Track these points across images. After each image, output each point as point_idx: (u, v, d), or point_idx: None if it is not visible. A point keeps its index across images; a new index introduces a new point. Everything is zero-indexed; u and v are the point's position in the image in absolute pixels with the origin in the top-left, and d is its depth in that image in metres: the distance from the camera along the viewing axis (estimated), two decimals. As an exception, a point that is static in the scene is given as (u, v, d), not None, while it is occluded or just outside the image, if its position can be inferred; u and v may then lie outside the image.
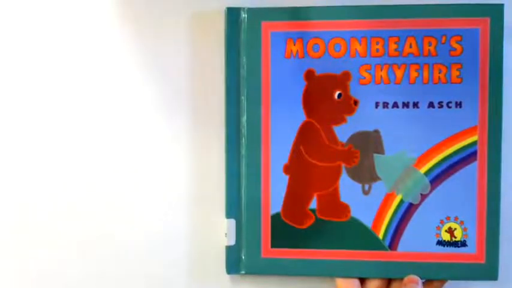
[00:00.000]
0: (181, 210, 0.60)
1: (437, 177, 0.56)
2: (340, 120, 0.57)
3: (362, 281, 0.57)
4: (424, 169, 0.56)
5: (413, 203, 0.57)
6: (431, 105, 0.56)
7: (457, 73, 0.56)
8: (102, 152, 0.60)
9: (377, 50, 0.56)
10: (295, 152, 0.57)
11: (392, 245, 0.57)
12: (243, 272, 0.58)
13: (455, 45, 0.56)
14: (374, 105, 0.57)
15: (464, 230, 0.56)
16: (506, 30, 0.55)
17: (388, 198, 0.57)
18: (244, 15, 0.57)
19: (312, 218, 0.57)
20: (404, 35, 0.56)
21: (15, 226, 0.60)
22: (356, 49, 0.56)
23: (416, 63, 0.56)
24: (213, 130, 0.59)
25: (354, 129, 0.57)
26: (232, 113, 0.58)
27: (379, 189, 0.57)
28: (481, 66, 0.56)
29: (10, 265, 0.61)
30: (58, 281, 0.60)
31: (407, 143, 0.56)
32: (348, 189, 0.57)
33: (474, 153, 0.56)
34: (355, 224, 0.57)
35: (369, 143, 0.57)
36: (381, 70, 0.56)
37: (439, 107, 0.56)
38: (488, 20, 0.55)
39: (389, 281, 0.57)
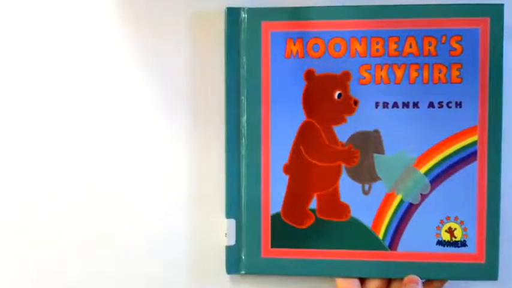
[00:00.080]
0: (181, 210, 0.60)
1: (437, 177, 0.56)
2: (340, 120, 0.57)
3: (362, 281, 0.57)
4: (424, 169, 0.56)
5: (413, 203, 0.57)
6: (431, 105, 0.56)
7: (457, 73, 0.56)
8: (102, 152, 0.60)
9: (377, 50, 0.56)
10: (295, 152, 0.57)
11: (392, 245, 0.57)
12: (243, 272, 0.58)
13: (455, 45, 0.56)
14: (374, 105, 0.56)
15: (464, 230, 0.56)
16: (506, 30, 0.55)
17: (388, 198, 0.57)
18: (244, 15, 0.57)
19: (312, 218, 0.57)
20: (404, 35, 0.56)
21: (15, 226, 0.60)
22: (356, 49, 0.56)
23: (416, 63, 0.56)
24: (213, 130, 0.59)
25: (354, 129, 0.57)
26: (232, 113, 0.58)
27: (379, 189, 0.57)
28: (481, 66, 0.56)
29: (10, 265, 0.61)
30: (58, 281, 0.60)
31: (407, 143, 0.56)
32: (348, 189, 0.57)
33: (474, 153, 0.56)
34: (355, 224, 0.57)
35: (369, 143, 0.57)
36: (381, 70, 0.56)
37: (439, 107, 0.56)
38: (488, 20, 0.55)
39: (389, 281, 0.57)
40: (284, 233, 0.58)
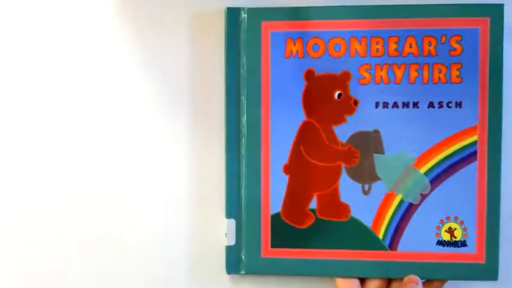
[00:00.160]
0: (181, 210, 0.60)
1: (437, 177, 0.56)
2: (340, 120, 0.57)
3: (362, 281, 0.57)
4: (424, 169, 0.56)
5: (413, 203, 0.57)
6: (431, 105, 0.56)
7: (457, 73, 0.56)
8: (102, 152, 0.60)
9: (377, 50, 0.56)
10: (295, 152, 0.57)
11: (392, 245, 0.57)
12: (243, 272, 0.58)
13: (455, 45, 0.56)
14: (374, 105, 0.56)
15: (464, 230, 0.56)
16: (506, 30, 0.55)
17: (388, 198, 0.57)
18: (244, 15, 0.57)
19: (312, 218, 0.57)
20: (404, 35, 0.56)
21: (15, 226, 0.60)
22: (356, 49, 0.56)
23: (416, 63, 0.56)
24: (213, 130, 0.59)
25: (354, 129, 0.57)
26: (232, 113, 0.58)
27: (379, 189, 0.57)
28: (481, 66, 0.56)
29: (10, 265, 0.61)
30: (58, 281, 0.60)
31: (407, 143, 0.56)
32: (348, 189, 0.57)
33: (474, 153, 0.56)
34: (355, 224, 0.57)
35: (369, 143, 0.57)
36: (381, 70, 0.56)
37: (439, 107, 0.56)
38: (488, 20, 0.55)
39: (389, 281, 0.57)
40: (284, 233, 0.58)
